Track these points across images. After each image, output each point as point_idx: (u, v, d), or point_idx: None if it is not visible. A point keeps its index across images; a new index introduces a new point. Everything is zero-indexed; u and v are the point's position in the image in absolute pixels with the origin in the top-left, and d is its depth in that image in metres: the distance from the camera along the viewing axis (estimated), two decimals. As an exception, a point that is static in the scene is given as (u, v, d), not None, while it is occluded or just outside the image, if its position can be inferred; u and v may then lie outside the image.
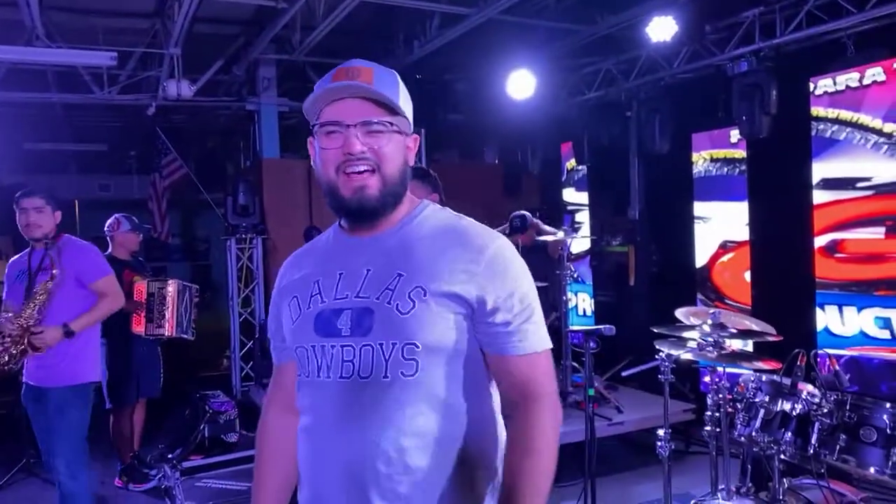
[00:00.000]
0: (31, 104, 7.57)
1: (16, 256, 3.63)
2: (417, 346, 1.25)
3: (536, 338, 1.32)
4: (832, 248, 4.86)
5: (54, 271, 3.38)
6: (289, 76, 7.74)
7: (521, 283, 1.32)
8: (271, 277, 7.51)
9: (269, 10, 5.89)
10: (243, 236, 7.31)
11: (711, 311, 3.38)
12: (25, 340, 3.30)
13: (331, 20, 5.62)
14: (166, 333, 4.76)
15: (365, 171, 1.28)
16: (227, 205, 7.20)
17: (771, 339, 3.23)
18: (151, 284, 4.81)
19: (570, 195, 7.93)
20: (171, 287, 4.80)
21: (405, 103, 1.35)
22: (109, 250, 4.80)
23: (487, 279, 1.28)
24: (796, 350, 2.99)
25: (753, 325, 3.48)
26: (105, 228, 4.95)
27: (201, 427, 4.61)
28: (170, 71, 6.40)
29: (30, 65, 6.26)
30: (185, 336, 4.88)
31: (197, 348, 8.14)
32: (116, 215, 4.95)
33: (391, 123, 1.30)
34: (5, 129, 7.77)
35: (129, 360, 4.73)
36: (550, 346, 1.35)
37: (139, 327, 4.71)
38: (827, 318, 4.91)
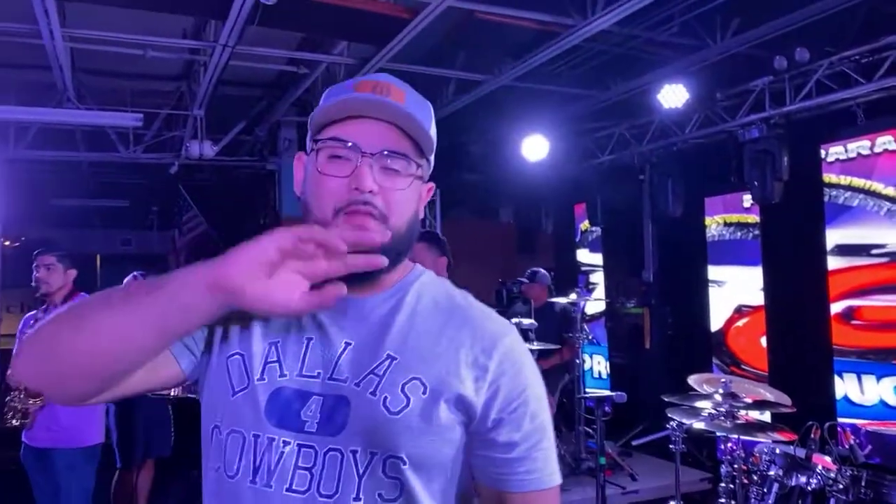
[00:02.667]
0: (58, 161, 7.79)
1: (31, 312, 3.70)
2: (404, 462, 0.93)
3: (546, 470, 1.01)
4: (848, 315, 4.80)
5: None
6: (309, 137, 7.91)
7: (534, 390, 1.02)
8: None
9: (291, 74, 6.09)
10: (259, 294, 7.35)
11: (723, 379, 3.34)
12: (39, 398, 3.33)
13: (350, 85, 5.77)
14: (173, 392, 4.73)
15: (368, 218, 0.96)
16: (245, 262, 7.28)
17: (783, 410, 3.18)
18: None
19: (584, 256, 7.94)
20: None
21: (432, 147, 1.05)
22: None
23: (499, 381, 0.98)
24: (810, 422, 2.93)
25: (767, 393, 3.43)
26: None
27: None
28: (193, 131, 6.59)
29: (60, 125, 6.48)
30: (192, 395, 4.84)
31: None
32: (134, 273, 4.99)
33: (417, 165, 1.00)
34: (34, 185, 7.99)
35: (137, 419, 4.69)
36: (560, 480, 1.04)
37: None
38: (846, 386, 4.81)
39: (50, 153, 7.21)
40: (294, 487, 0.93)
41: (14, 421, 3.38)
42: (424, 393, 0.95)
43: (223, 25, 4.61)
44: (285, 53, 5.60)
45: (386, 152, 0.96)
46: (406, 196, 0.99)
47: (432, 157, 1.06)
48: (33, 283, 3.56)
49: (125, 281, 4.91)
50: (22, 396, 3.35)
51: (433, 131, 1.04)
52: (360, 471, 0.93)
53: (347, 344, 0.99)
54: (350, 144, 0.96)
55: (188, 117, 6.58)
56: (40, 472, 3.45)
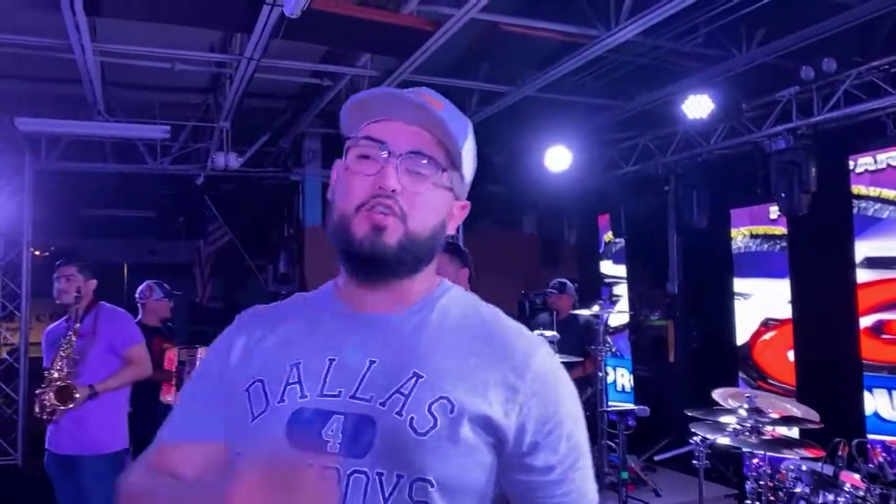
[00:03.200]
0: (87, 172, 7.94)
1: (52, 325, 3.75)
2: (432, 485, 0.89)
3: (584, 489, 0.98)
4: (878, 329, 4.70)
5: (77, 325, 3.47)
6: (333, 148, 7.98)
7: (568, 409, 0.99)
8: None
9: (315, 86, 6.16)
10: (282, 304, 7.40)
11: (747, 394, 3.28)
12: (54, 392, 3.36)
13: (373, 97, 5.81)
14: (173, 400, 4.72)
15: (388, 215, 0.96)
16: (269, 272, 7.36)
17: (811, 426, 3.11)
18: (182, 352, 4.77)
19: (608, 267, 7.88)
20: (202, 354, 4.79)
21: (468, 160, 1.04)
22: (140, 317, 4.78)
23: (531, 401, 0.95)
24: (837, 439, 2.87)
25: (794, 409, 3.36)
26: (136, 294, 4.90)
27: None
28: (219, 143, 6.68)
29: (90, 137, 6.61)
30: None
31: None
32: (148, 282, 4.96)
33: (444, 170, 0.99)
34: (63, 196, 8.15)
35: (152, 430, 4.67)
36: (597, 498, 1.02)
37: (168, 396, 4.65)
38: (876, 402, 4.71)
39: (79, 165, 7.35)
40: None
41: (41, 414, 3.41)
42: (452, 412, 0.91)
43: (248, 39, 4.68)
44: (309, 66, 5.66)
45: (413, 153, 0.97)
46: (430, 200, 0.98)
47: (467, 173, 1.05)
48: (55, 294, 3.62)
49: (139, 289, 4.90)
50: (52, 397, 3.38)
51: (468, 147, 1.03)
52: (386, 494, 0.89)
53: (372, 362, 0.96)
54: (380, 142, 0.97)
55: (214, 129, 6.67)
56: (65, 480, 3.48)
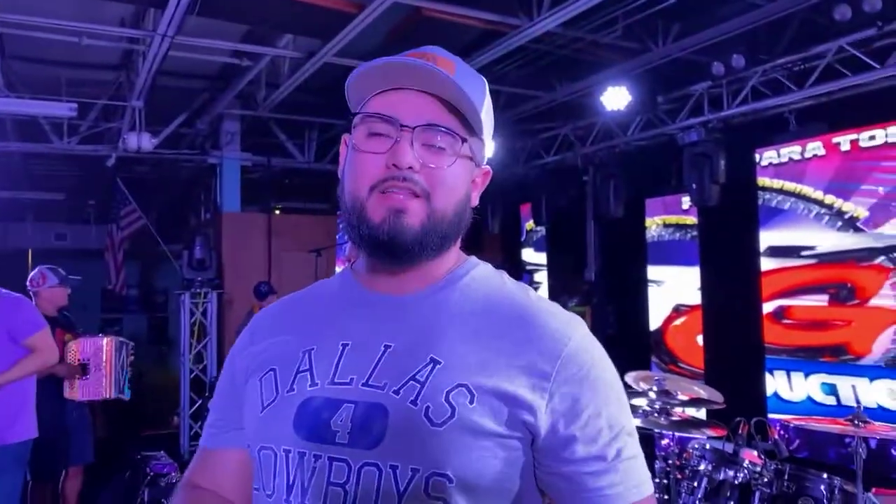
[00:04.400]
0: (-13, 151, 7.47)
1: None
2: (450, 481, 0.82)
3: (632, 481, 0.88)
4: (779, 315, 4.97)
5: None
6: (252, 131, 7.79)
7: (610, 393, 0.90)
8: (225, 334, 7.38)
9: (235, 66, 5.97)
10: (198, 291, 7.20)
11: (657, 377, 3.41)
12: None
13: (295, 79, 5.71)
14: (104, 395, 4.48)
15: (409, 195, 0.88)
16: (184, 258, 7.12)
17: (716, 406, 3.27)
18: (86, 343, 4.46)
19: (530, 255, 8.02)
20: (108, 345, 4.52)
21: (487, 122, 0.96)
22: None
23: (561, 388, 0.86)
24: (738, 418, 3.02)
25: (701, 391, 3.51)
26: (28, 282, 4.42)
27: (142, 490, 4.41)
28: (131, 123, 6.40)
29: (-12, 113, 6.21)
30: (122, 396, 4.62)
31: (148, 405, 7.93)
32: (41, 268, 4.52)
33: (464, 140, 0.91)
34: (-41, 176, 7.64)
35: (57, 428, 4.30)
36: (651, 490, 0.90)
37: (73, 391, 4.35)
38: (776, 383, 4.98)
39: (-23, 143, 6.91)
40: None
41: None
42: (472, 402, 0.83)
43: (162, 14, 4.48)
44: (228, 45, 5.47)
45: (428, 125, 0.89)
46: (453, 175, 0.90)
47: (487, 137, 0.98)
48: None
49: (31, 276, 4.53)
50: None
51: (487, 108, 0.95)
52: (401, 489, 0.82)
53: (387, 347, 0.89)
54: (390, 118, 0.89)
55: (126, 108, 6.38)
56: None
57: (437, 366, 0.86)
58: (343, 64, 5.42)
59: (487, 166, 1.00)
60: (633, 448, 0.90)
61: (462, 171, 0.93)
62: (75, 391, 4.38)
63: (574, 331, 0.90)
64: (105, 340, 4.53)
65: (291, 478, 0.87)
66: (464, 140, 0.91)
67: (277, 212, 8.63)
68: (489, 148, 1.00)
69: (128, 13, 5.12)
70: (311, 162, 8.12)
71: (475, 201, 0.98)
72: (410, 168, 0.88)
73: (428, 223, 0.89)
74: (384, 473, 0.82)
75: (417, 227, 0.89)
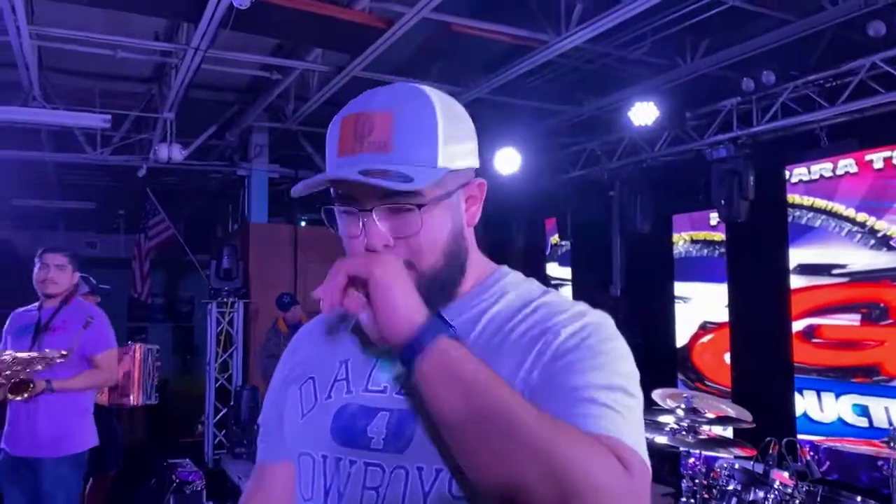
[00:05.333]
0: (22, 161, 7.63)
1: (22, 309, 3.51)
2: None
3: (626, 428, 0.84)
4: (809, 333, 4.89)
5: (64, 352, 3.23)
6: (281, 143, 7.88)
7: (621, 363, 0.90)
8: (250, 343, 7.44)
9: (264, 79, 6.06)
10: (225, 300, 7.27)
11: (685, 394, 3.37)
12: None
13: (324, 93, 5.77)
14: (132, 401, 4.53)
15: None
16: (211, 268, 7.20)
17: (744, 425, 3.22)
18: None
19: (554, 270, 7.98)
20: (137, 352, 4.58)
21: (453, 144, 0.93)
22: None
23: (567, 338, 0.89)
24: (768, 438, 2.97)
25: (729, 409, 3.46)
26: None
27: (167, 498, 4.44)
28: (163, 135, 6.50)
29: (24, 124, 6.35)
30: (150, 402, 4.67)
31: (173, 412, 8.00)
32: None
33: (423, 196, 0.90)
34: (-5, 184, 7.81)
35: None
36: (639, 451, 0.83)
37: (101, 396, 4.35)
38: (806, 403, 4.89)
39: (13, 153, 7.06)
40: None
41: None
42: None
43: (195, 29, 4.56)
44: (258, 59, 5.56)
45: (385, 198, 0.89)
46: (428, 231, 0.91)
47: (466, 149, 0.96)
48: (40, 281, 3.38)
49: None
50: (6, 388, 3.12)
51: (442, 129, 0.92)
52: (426, 489, 0.87)
53: None
54: (347, 199, 0.92)
55: (158, 120, 6.49)
56: (21, 483, 3.25)
57: None
58: (372, 78, 5.47)
59: (479, 178, 1.00)
60: (636, 410, 0.88)
61: (439, 216, 0.93)
62: (104, 397, 4.43)
63: (588, 314, 0.93)
64: (134, 347, 4.60)
65: (328, 482, 0.92)
66: (421, 204, 0.90)
67: (304, 223, 8.70)
68: (470, 152, 0.98)
69: (161, 27, 5.22)
70: (338, 174, 8.17)
71: (474, 220, 1.00)
72: (386, 246, 0.91)
73: (423, 289, 0.88)
74: (411, 475, 0.87)
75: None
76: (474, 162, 1.00)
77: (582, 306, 0.96)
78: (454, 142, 0.94)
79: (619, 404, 0.85)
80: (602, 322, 0.93)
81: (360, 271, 0.84)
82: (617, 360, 0.89)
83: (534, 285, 1.02)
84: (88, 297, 4.61)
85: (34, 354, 3.17)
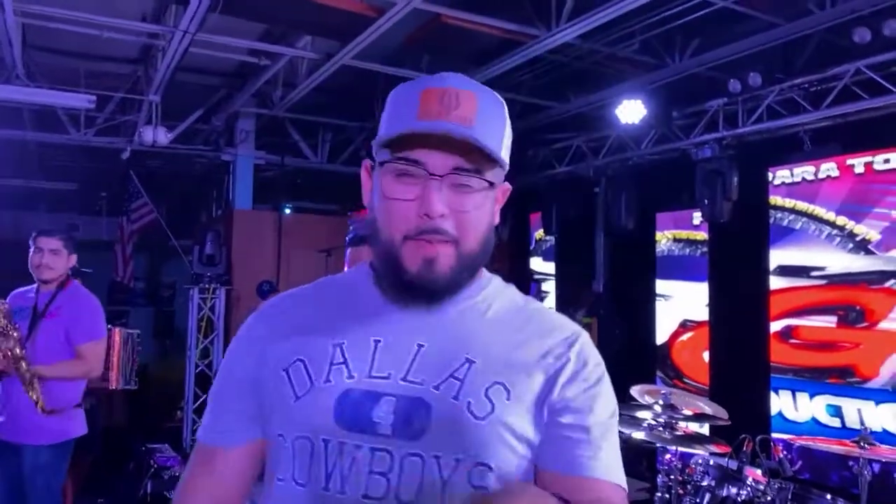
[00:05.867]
0: (2, 139, 7.52)
1: (22, 289, 3.43)
2: (491, 469, 0.89)
3: (613, 466, 0.95)
4: (787, 334, 4.96)
5: (47, 305, 3.21)
6: (267, 130, 7.82)
7: (608, 390, 1.00)
8: (232, 330, 7.40)
9: (252, 65, 6.00)
10: (207, 286, 7.23)
11: (663, 391, 3.41)
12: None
13: (312, 80, 5.73)
14: (112, 385, 4.49)
15: (440, 244, 0.92)
16: (194, 253, 7.16)
17: (720, 423, 3.26)
18: None
19: (538, 264, 8.02)
20: (117, 336, 4.51)
21: (507, 139, 0.98)
22: None
23: (570, 378, 0.96)
24: (743, 435, 3.02)
25: (706, 407, 3.51)
26: None
27: (145, 483, 4.43)
28: (148, 117, 6.43)
29: (5, 102, 6.26)
30: (130, 387, 4.63)
31: (153, 396, 7.95)
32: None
33: (490, 183, 0.95)
34: (-26, 163, 7.70)
35: None
36: (625, 487, 0.97)
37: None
38: (781, 402, 4.97)
39: (-6, 131, 6.96)
40: (369, 493, 0.88)
41: None
42: (508, 399, 0.92)
43: (184, 11, 4.52)
44: (247, 43, 5.51)
45: (455, 170, 0.92)
46: (479, 214, 0.95)
47: (507, 159, 0.99)
48: (35, 266, 3.31)
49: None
50: None
51: (507, 132, 0.98)
52: (444, 477, 0.88)
53: (420, 346, 0.95)
54: (416, 162, 0.92)
55: (143, 102, 6.42)
56: (1, 465, 3.20)
57: (473, 365, 0.93)
58: (361, 67, 5.45)
59: (507, 183, 1.03)
60: (614, 443, 0.97)
61: (486, 205, 0.97)
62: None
63: (580, 335, 1.01)
64: (114, 331, 4.54)
65: (330, 466, 0.91)
66: (490, 183, 0.95)
67: (288, 211, 8.66)
68: (508, 154, 1.02)
69: (149, 8, 5.16)
70: (324, 162, 8.15)
71: (497, 219, 1.02)
72: (442, 216, 0.92)
73: (457, 266, 0.94)
74: (427, 463, 0.88)
75: (448, 273, 0.94)
76: (506, 165, 1.02)
77: (566, 325, 1.04)
78: (508, 138, 0.99)
79: (613, 445, 0.96)
80: (591, 348, 1.03)
81: None
82: (608, 393, 1.00)
83: (514, 292, 1.08)
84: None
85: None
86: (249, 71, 6.26)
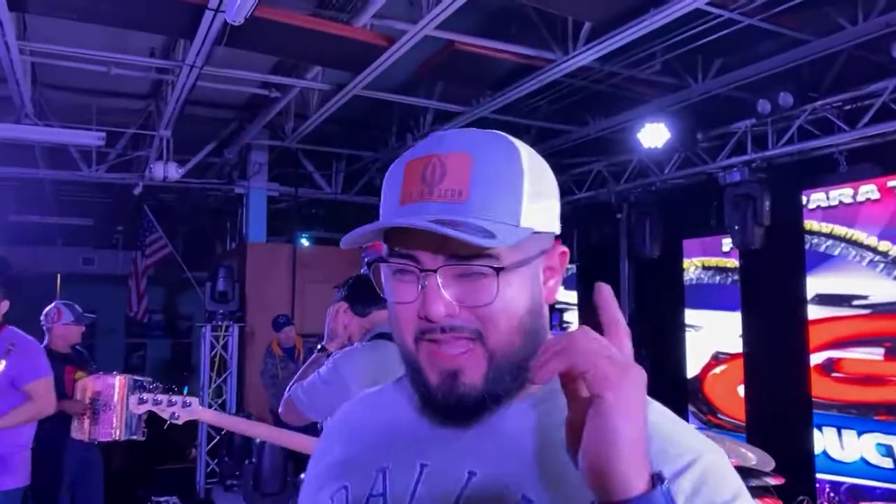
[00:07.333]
0: (17, 177, 7.49)
1: None
2: None
3: None
4: (829, 367, 4.66)
5: None
6: (280, 161, 7.73)
7: None
8: (246, 367, 7.23)
9: (263, 97, 5.91)
10: (219, 324, 7.06)
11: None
12: None
13: (324, 111, 5.62)
14: (114, 436, 4.29)
15: (459, 345, 0.74)
16: (206, 290, 7.01)
17: (771, 480, 2.98)
18: (97, 381, 4.21)
19: (560, 293, 7.75)
20: (121, 383, 4.34)
21: (537, 200, 0.77)
22: (46, 342, 4.29)
23: None
24: (801, 497, 2.75)
25: (748, 453, 3.23)
26: (42, 318, 4.36)
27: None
28: (159, 152, 6.35)
29: (15, 141, 6.20)
30: (136, 437, 4.42)
31: (167, 434, 7.76)
32: (57, 303, 4.45)
33: (492, 266, 0.73)
34: (-9, 201, 7.68)
35: (61, 469, 4.22)
36: None
37: (80, 432, 4.13)
38: (825, 440, 4.66)
39: (6, 169, 6.91)
40: None
41: None
42: None
43: (191, 45, 4.41)
44: (256, 76, 5.41)
45: (452, 258, 0.72)
46: (506, 301, 0.73)
47: (549, 209, 0.79)
48: None
49: (46, 311, 4.30)
50: None
51: (528, 183, 0.75)
52: None
53: (471, 474, 0.76)
54: (407, 256, 0.75)
55: (154, 137, 6.34)
56: None
57: None
58: (372, 97, 5.32)
59: (561, 246, 0.82)
60: None
61: (518, 285, 0.75)
62: (84, 431, 4.20)
63: (704, 451, 0.71)
64: (118, 379, 4.35)
65: None
66: (500, 268, 0.73)
67: (305, 241, 8.52)
68: (553, 214, 0.80)
69: (158, 43, 5.09)
70: (339, 193, 8.05)
71: (552, 296, 0.80)
72: (450, 316, 0.73)
73: (492, 372, 0.73)
74: None
75: (480, 385, 0.74)
76: (556, 226, 0.82)
77: (683, 445, 0.72)
78: (539, 198, 0.77)
79: None
80: (719, 476, 0.71)
81: (594, 380, 0.61)
82: None
83: None
84: (72, 326, 4.43)
85: None
86: (260, 103, 6.18)
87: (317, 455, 0.94)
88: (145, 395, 2.95)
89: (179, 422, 3.01)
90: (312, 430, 2.95)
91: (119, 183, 7.42)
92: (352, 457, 0.86)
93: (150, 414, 4.60)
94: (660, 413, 0.76)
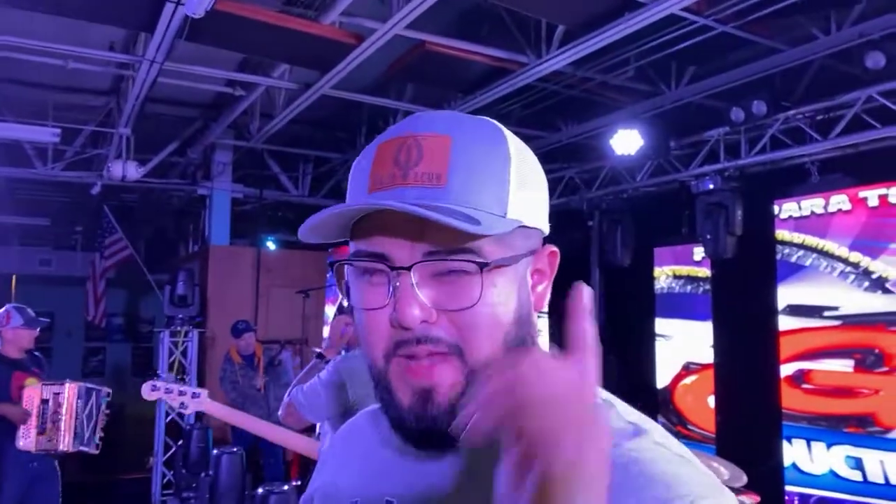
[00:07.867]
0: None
1: None
2: None
3: None
4: (799, 378, 4.63)
5: None
6: (245, 162, 7.54)
7: None
8: (206, 373, 7.00)
9: (228, 95, 5.73)
10: (178, 329, 6.83)
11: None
12: None
13: (291, 111, 5.46)
14: (60, 448, 4.08)
15: (434, 359, 0.64)
16: (165, 294, 6.77)
17: (746, 499, 2.91)
18: (45, 389, 4.12)
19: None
20: (70, 392, 4.14)
21: (526, 191, 0.68)
22: None
23: None
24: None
25: (721, 467, 3.16)
26: None
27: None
28: (118, 151, 6.13)
29: (-34, 136, 5.94)
30: (87, 449, 4.21)
31: (126, 441, 7.49)
32: (8, 307, 4.33)
33: (476, 261, 0.63)
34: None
35: (6, 480, 4.02)
36: None
37: (27, 441, 4.00)
38: (794, 452, 4.61)
39: (-43, 165, 6.62)
40: None
41: None
42: None
43: (151, 39, 4.23)
44: (220, 73, 5.23)
45: (429, 255, 0.63)
46: (489, 306, 0.64)
47: (537, 204, 0.69)
48: None
49: None
50: None
51: (513, 172, 0.66)
52: None
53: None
54: (376, 255, 0.64)
55: (113, 135, 6.11)
56: None
57: None
58: (341, 97, 5.18)
59: (549, 246, 0.72)
60: None
61: (503, 287, 0.65)
62: (31, 442, 3.99)
63: (703, 495, 0.60)
64: (67, 387, 4.15)
65: None
66: (483, 264, 0.63)
67: (271, 245, 8.31)
68: (542, 209, 0.71)
69: (119, 37, 4.89)
70: (305, 195, 7.88)
71: (542, 303, 0.71)
72: (424, 324, 0.62)
73: (468, 387, 0.63)
74: None
75: (454, 405, 0.63)
76: (545, 224, 0.72)
77: (679, 484, 0.60)
78: (526, 189, 0.68)
79: None
80: None
81: (536, 445, 0.48)
82: None
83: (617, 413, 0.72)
84: (22, 330, 4.23)
85: None
86: (225, 102, 5.99)
87: (316, 471, 0.87)
88: (157, 383, 2.97)
89: (187, 412, 3.08)
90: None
91: (77, 182, 7.16)
92: (333, 485, 0.79)
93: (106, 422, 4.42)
94: (656, 445, 0.65)
